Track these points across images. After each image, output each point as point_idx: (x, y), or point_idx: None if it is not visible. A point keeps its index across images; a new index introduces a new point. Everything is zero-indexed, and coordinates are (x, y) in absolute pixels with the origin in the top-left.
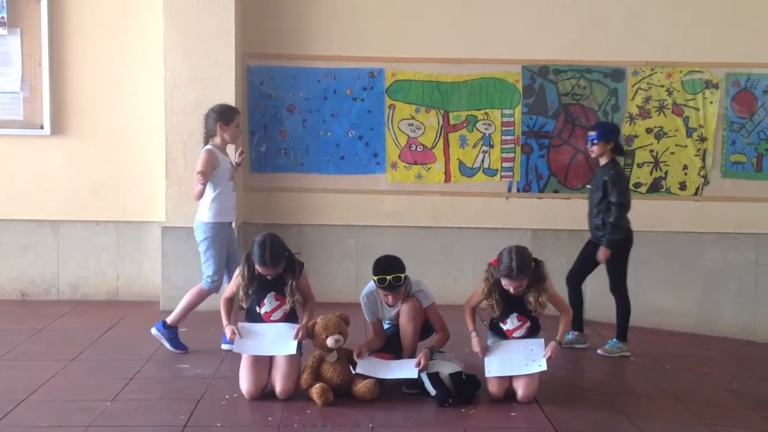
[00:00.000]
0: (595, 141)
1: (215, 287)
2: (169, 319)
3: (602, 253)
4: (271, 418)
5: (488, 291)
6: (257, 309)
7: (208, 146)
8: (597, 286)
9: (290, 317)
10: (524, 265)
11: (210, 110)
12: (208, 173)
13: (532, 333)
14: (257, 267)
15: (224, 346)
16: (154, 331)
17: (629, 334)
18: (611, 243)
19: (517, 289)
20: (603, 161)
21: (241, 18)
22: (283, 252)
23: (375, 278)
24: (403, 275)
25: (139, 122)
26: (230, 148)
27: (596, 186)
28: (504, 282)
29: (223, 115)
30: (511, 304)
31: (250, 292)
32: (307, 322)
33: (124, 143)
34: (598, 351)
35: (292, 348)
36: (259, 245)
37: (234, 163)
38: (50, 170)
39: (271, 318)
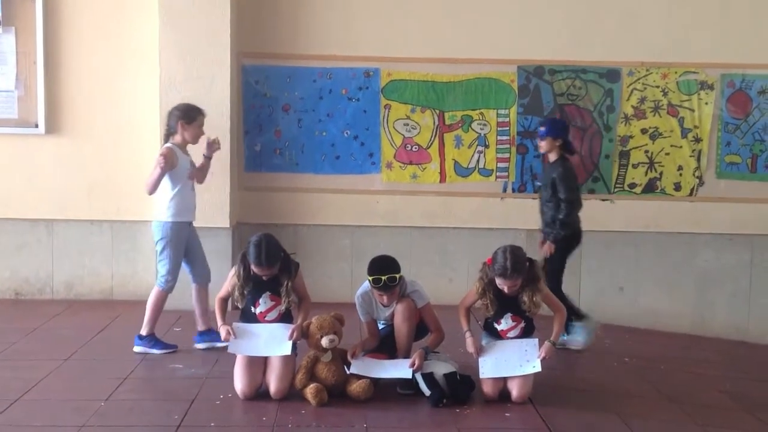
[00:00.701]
0: (544, 136)
1: (169, 287)
2: (143, 331)
3: (546, 247)
4: (266, 418)
5: (482, 290)
6: (252, 309)
7: (168, 144)
8: (592, 287)
9: (285, 317)
10: (518, 264)
11: (174, 108)
12: (165, 171)
13: (526, 333)
14: (253, 267)
15: (198, 345)
16: (136, 348)
17: (625, 333)
18: (557, 239)
19: (512, 289)
20: (552, 158)
21: (237, 17)
22: (278, 252)
23: (370, 278)
24: (398, 275)
25: (134, 121)
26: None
27: (545, 183)
28: (498, 281)
29: (185, 114)
30: (505, 304)
31: (245, 292)
32: (302, 322)
33: (119, 142)
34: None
35: (287, 349)
36: (254, 245)
37: (205, 156)
38: (45, 169)
39: (266, 318)
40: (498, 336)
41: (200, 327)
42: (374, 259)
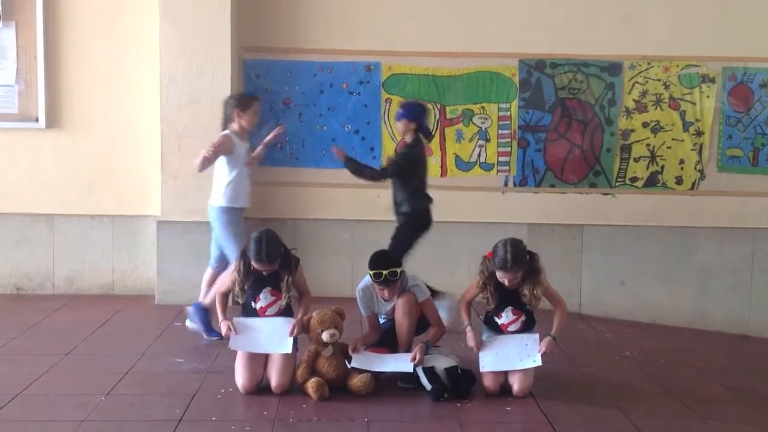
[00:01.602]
0: (400, 118)
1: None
2: (206, 301)
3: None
4: (267, 413)
5: (483, 284)
6: (252, 304)
7: (226, 131)
8: (594, 281)
9: (286, 312)
10: (519, 257)
11: (229, 97)
12: (217, 156)
13: (527, 327)
14: (253, 263)
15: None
16: (189, 323)
17: (626, 327)
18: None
19: (512, 282)
20: (408, 139)
21: (237, 11)
22: (279, 248)
23: (371, 273)
24: (398, 270)
25: (135, 116)
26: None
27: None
28: (499, 274)
29: (241, 102)
30: (506, 297)
31: (245, 287)
32: (302, 317)
33: (120, 137)
34: None
35: (287, 346)
36: (255, 241)
37: (264, 143)
38: (45, 164)
39: (266, 313)
40: (499, 330)
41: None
42: (375, 253)
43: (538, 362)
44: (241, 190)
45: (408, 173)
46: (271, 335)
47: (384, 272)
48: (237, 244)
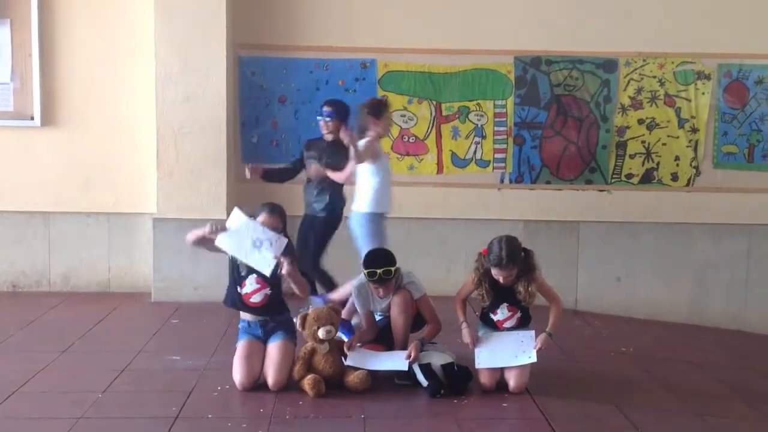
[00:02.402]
0: (333, 118)
1: None
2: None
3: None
4: (263, 410)
5: (478, 281)
6: (238, 289)
7: (368, 138)
8: (590, 277)
9: (272, 300)
10: (513, 254)
11: (361, 105)
12: (369, 158)
13: (522, 323)
14: (261, 216)
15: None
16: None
17: (623, 323)
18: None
19: (507, 279)
20: (330, 138)
21: (232, 8)
22: (284, 212)
23: (365, 271)
24: (393, 269)
25: (130, 113)
26: None
27: (331, 156)
28: (494, 271)
29: (374, 109)
30: (501, 294)
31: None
32: (292, 269)
33: (115, 135)
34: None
35: (267, 267)
36: (268, 202)
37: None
38: (41, 162)
39: (250, 300)
40: (494, 326)
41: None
42: (370, 252)
43: (534, 358)
44: (385, 196)
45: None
46: (255, 249)
47: (378, 271)
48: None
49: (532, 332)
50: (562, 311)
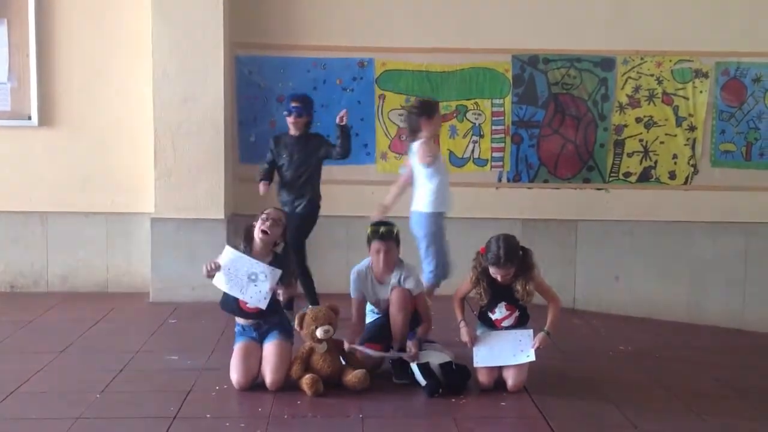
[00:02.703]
0: (302, 114)
1: (438, 281)
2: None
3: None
4: (261, 409)
5: (476, 279)
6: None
7: (421, 140)
8: (588, 276)
9: (269, 307)
10: (511, 253)
11: (410, 107)
12: (427, 159)
13: (521, 322)
14: (267, 210)
15: None
16: None
17: (621, 322)
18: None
19: (505, 278)
20: (297, 134)
21: (230, 8)
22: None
23: (370, 229)
24: (395, 230)
25: (128, 113)
26: None
27: (306, 157)
28: (492, 270)
29: (425, 110)
30: (499, 293)
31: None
32: (291, 287)
33: (113, 134)
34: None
35: (262, 301)
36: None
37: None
38: (38, 161)
39: (247, 305)
40: (493, 325)
41: None
42: (373, 221)
43: (532, 357)
44: (445, 196)
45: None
46: (251, 283)
47: (382, 228)
48: (439, 249)
49: (530, 331)
50: (560, 310)
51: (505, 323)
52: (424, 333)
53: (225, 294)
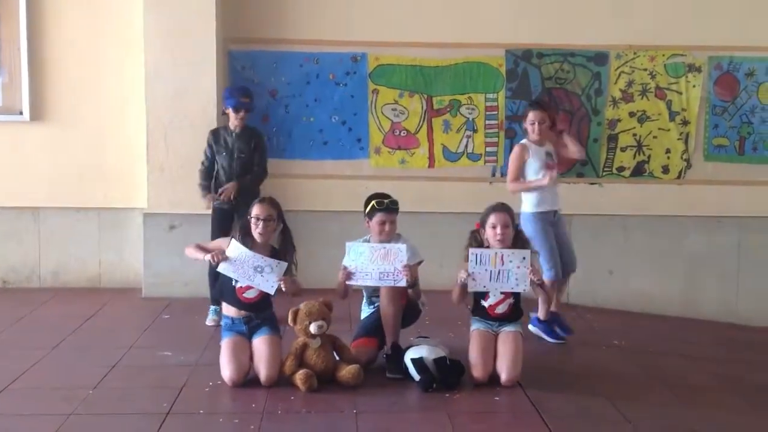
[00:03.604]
0: (250, 109)
1: (555, 275)
2: (540, 315)
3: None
4: (255, 405)
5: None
6: (232, 282)
7: (523, 141)
8: (582, 271)
9: (265, 296)
10: (508, 207)
11: (546, 105)
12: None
13: (514, 312)
14: (254, 207)
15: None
16: (531, 328)
17: (615, 317)
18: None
19: (504, 233)
20: (239, 129)
21: (222, 3)
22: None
23: (374, 201)
24: (397, 201)
25: (120, 108)
26: None
27: (244, 148)
28: (491, 219)
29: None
30: None
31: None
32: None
33: (105, 129)
34: None
35: (271, 287)
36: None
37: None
38: (30, 157)
39: (244, 295)
40: (487, 315)
41: (541, 315)
42: (372, 194)
43: (525, 287)
44: (546, 194)
45: None
46: (258, 272)
47: (386, 200)
48: (548, 248)
49: (528, 252)
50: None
51: (498, 309)
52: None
53: (222, 284)
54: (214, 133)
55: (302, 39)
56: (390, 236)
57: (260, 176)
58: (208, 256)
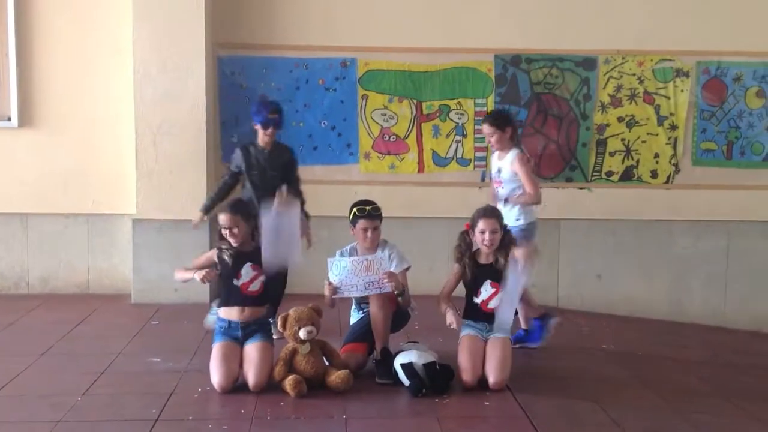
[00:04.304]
0: (279, 126)
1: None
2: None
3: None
4: (244, 411)
5: (460, 255)
6: (234, 281)
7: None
8: (570, 275)
9: (268, 287)
10: (494, 210)
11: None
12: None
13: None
14: (220, 218)
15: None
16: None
17: (603, 321)
18: None
19: (493, 237)
20: (269, 147)
21: (211, 7)
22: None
23: (355, 209)
24: (380, 208)
25: (109, 114)
26: None
27: (276, 165)
28: (480, 225)
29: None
30: (483, 271)
31: (226, 257)
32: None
33: (94, 135)
34: None
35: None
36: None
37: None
38: (19, 162)
39: (248, 289)
40: (479, 311)
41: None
42: (355, 202)
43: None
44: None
45: None
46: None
47: (367, 207)
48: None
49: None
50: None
51: (491, 303)
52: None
53: (225, 287)
54: (244, 151)
55: (292, 44)
56: (374, 242)
57: (300, 191)
58: (197, 276)
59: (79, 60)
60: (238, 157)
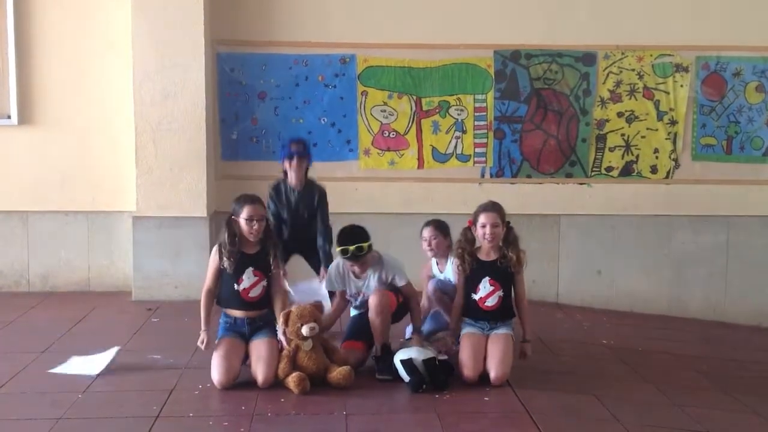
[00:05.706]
0: (306, 157)
1: None
2: None
3: None
4: (245, 408)
5: (460, 250)
6: (235, 287)
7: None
8: (570, 270)
9: (269, 292)
10: (500, 206)
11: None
12: None
13: (503, 308)
14: (244, 211)
15: None
16: None
17: (603, 316)
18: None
19: (494, 231)
20: (300, 186)
21: (210, 4)
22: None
23: (338, 249)
24: (366, 244)
25: (108, 111)
26: None
27: (308, 203)
28: (481, 219)
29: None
30: (483, 268)
31: (228, 264)
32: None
33: (93, 132)
34: None
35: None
36: (240, 196)
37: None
38: (18, 160)
39: (249, 295)
40: (477, 309)
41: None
42: (343, 228)
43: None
44: None
45: None
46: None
47: (350, 248)
48: None
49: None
50: (528, 310)
51: (489, 302)
52: (419, 319)
53: (226, 292)
54: (276, 189)
55: (291, 41)
56: (364, 271)
57: (330, 235)
58: (198, 341)
59: (78, 58)
60: (271, 193)
